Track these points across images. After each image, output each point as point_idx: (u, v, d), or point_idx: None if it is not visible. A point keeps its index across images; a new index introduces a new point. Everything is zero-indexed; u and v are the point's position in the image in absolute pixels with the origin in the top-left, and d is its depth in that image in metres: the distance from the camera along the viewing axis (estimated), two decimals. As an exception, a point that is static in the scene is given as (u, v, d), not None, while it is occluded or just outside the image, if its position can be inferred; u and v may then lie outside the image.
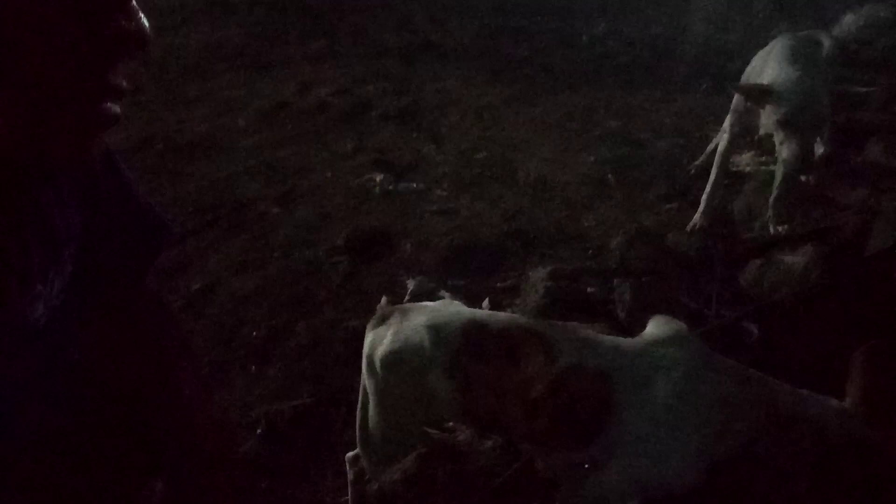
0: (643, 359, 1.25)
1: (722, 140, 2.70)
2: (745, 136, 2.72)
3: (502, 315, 1.40)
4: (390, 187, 3.31)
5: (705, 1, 7.48)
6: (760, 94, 2.37)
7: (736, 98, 2.59)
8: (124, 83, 0.58)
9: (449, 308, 1.42)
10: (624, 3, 8.04)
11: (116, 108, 0.59)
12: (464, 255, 2.67)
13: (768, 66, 2.49)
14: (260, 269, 2.58)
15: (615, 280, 2.26)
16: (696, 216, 2.67)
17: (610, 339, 1.32)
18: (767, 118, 2.38)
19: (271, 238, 2.81)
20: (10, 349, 0.64)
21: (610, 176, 3.29)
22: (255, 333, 2.21)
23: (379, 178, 3.39)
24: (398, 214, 3.02)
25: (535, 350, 1.27)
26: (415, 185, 3.33)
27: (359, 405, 1.52)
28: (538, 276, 2.37)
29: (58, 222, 0.71)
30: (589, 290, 2.27)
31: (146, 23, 0.59)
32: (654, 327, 1.34)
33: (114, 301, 0.88)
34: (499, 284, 2.45)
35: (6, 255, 0.63)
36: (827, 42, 2.75)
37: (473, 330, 1.32)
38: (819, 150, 3.12)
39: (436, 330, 1.33)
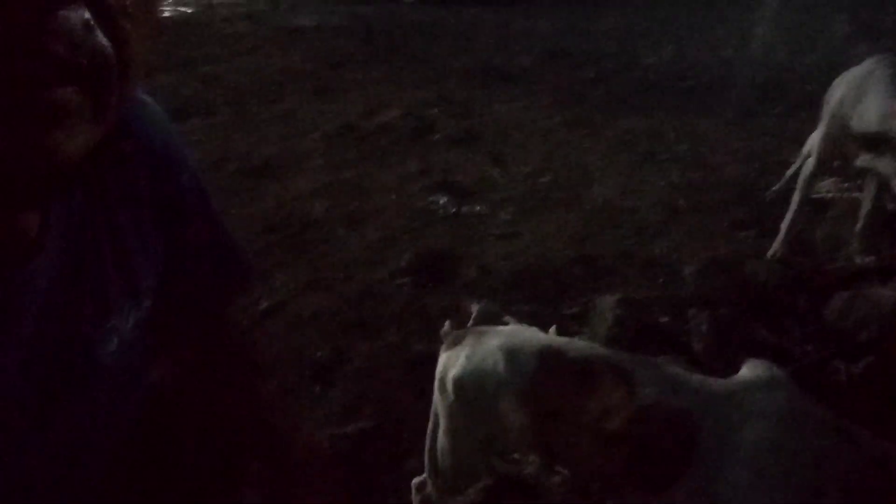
0: (733, 402, 1.16)
1: (807, 165, 2.56)
2: (832, 162, 2.58)
3: (581, 343, 1.36)
4: (454, 210, 3.30)
5: (778, 22, 7.28)
6: (879, 142, 2.18)
7: (828, 125, 2.41)
8: (66, 52, 0.42)
9: (524, 333, 1.38)
10: (690, 26, 7.90)
11: (67, 95, 0.43)
12: (529, 280, 2.62)
13: (870, 96, 2.28)
14: (325, 289, 2.59)
15: (690, 311, 2.17)
16: (776, 244, 2.55)
17: (698, 378, 1.25)
18: (883, 163, 2.19)
19: (337, 259, 2.82)
20: (79, 385, 0.62)
21: (681, 201, 3.19)
22: (319, 354, 2.21)
23: (443, 200, 3.38)
24: (462, 237, 3.00)
25: (616, 382, 1.21)
26: (478, 209, 3.31)
27: (429, 429, 1.50)
28: (607, 303, 2.29)
29: (138, 254, 0.69)
30: (661, 320, 2.19)
31: (99, 41, 0.44)
32: (749, 370, 1.25)
33: (191, 334, 0.88)
34: (565, 311, 2.39)
35: (82, 286, 0.61)
36: None
37: (550, 356, 1.28)
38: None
39: (510, 354, 1.29)
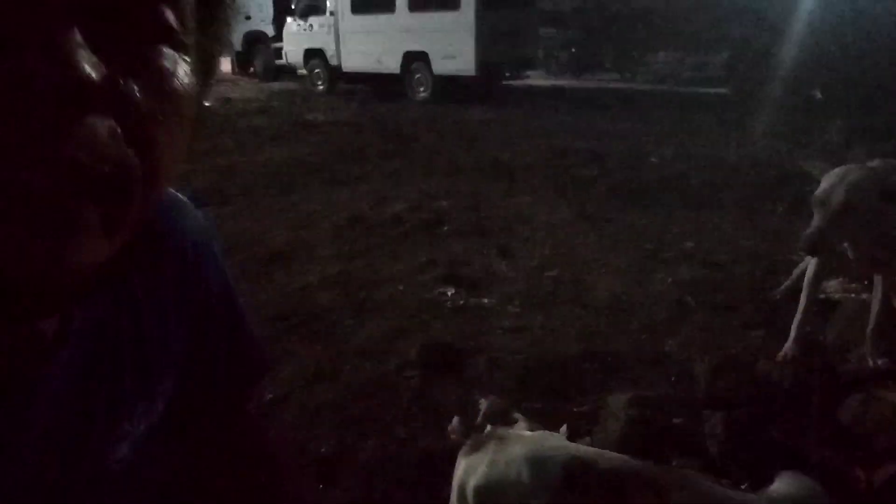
0: None
1: (809, 265, 2.59)
2: (833, 260, 2.60)
3: (611, 454, 1.30)
4: (461, 302, 3.30)
5: (777, 123, 7.54)
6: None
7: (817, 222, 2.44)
8: (89, 161, 0.39)
9: (550, 440, 1.34)
10: (692, 126, 8.19)
11: (82, 208, 0.40)
12: (538, 375, 2.59)
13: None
14: (332, 381, 2.56)
15: (704, 412, 2.13)
16: (787, 345, 2.52)
17: (732, 495, 1.21)
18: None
19: (344, 349, 2.81)
20: (86, 492, 0.59)
21: (689, 298, 3.20)
22: (323, 450, 2.15)
23: (450, 292, 3.40)
24: (470, 330, 2.99)
25: (648, 497, 1.16)
26: (486, 301, 3.32)
27: None
28: (618, 402, 2.25)
29: (158, 355, 0.68)
30: (675, 420, 2.14)
31: (124, 151, 0.41)
32: (784, 485, 1.20)
33: (208, 431, 0.86)
34: (576, 409, 2.34)
35: (97, 391, 0.59)
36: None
37: (578, 468, 1.23)
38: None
39: (536, 464, 1.24)
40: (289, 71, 14.44)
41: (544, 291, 3.43)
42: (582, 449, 1.33)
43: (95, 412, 0.59)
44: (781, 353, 2.51)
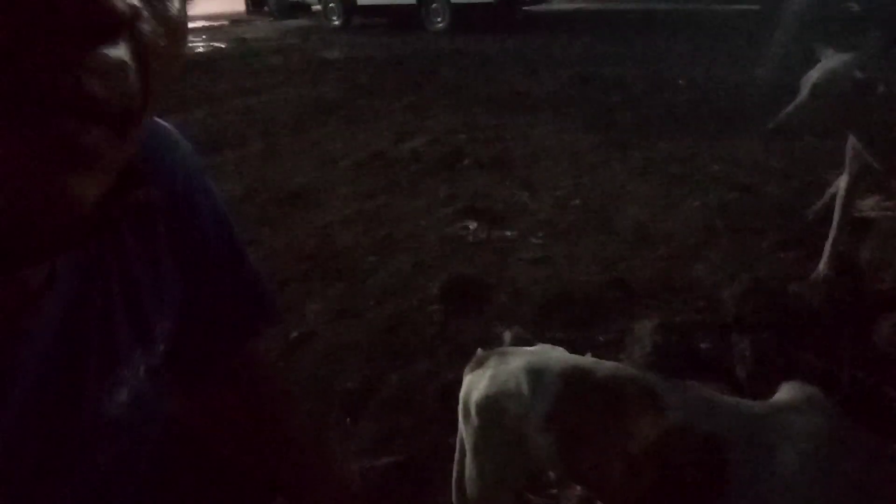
0: (767, 425, 1.09)
1: (842, 181, 2.49)
2: (866, 176, 2.50)
3: (609, 363, 1.29)
4: (484, 235, 3.26)
5: (811, 40, 7.16)
6: None
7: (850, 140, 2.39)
8: (102, 92, 0.38)
9: (550, 353, 1.33)
10: (721, 46, 7.84)
11: (92, 135, 0.39)
12: (562, 306, 2.56)
13: None
14: (356, 318, 2.57)
15: (732, 335, 2.09)
16: (821, 265, 2.45)
17: (730, 401, 1.18)
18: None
19: (367, 286, 2.81)
20: (86, 439, 0.59)
21: (718, 222, 3.11)
22: (349, 385, 2.18)
23: (472, 226, 3.35)
24: (493, 263, 2.96)
25: (643, 404, 1.15)
26: (509, 234, 3.27)
27: (456, 458, 1.45)
28: (644, 329, 2.22)
29: (153, 299, 0.66)
30: (703, 346, 2.10)
31: (133, 82, 0.41)
32: (786, 393, 1.18)
33: (213, 372, 0.85)
34: (601, 338, 2.32)
35: (88, 338, 0.58)
36: None
37: (576, 377, 1.23)
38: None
39: (535, 374, 1.24)
40: (303, 8, 14.11)
41: (568, 221, 3.37)
42: (580, 359, 1.31)
43: (87, 358, 0.58)
44: (814, 275, 2.44)
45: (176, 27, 0.45)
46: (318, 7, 13.19)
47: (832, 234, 2.45)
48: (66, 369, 0.55)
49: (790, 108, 2.20)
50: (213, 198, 0.79)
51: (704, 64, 6.95)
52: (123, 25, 0.39)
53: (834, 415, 1.11)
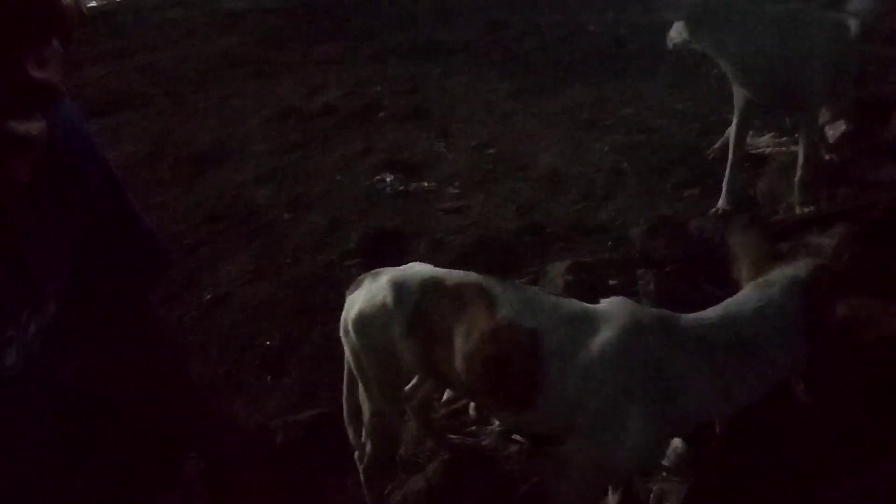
0: (580, 319, 1.22)
1: (734, 120, 2.61)
2: (755, 113, 2.63)
3: (458, 272, 1.40)
4: (401, 187, 3.25)
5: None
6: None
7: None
8: (46, 78, 0.41)
9: (414, 267, 1.43)
10: (631, -9, 7.95)
11: (34, 125, 0.42)
12: (479, 252, 2.60)
13: None
14: (273, 276, 2.53)
15: (638, 270, 2.19)
16: (720, 201, 2.58)
17: (554, 299, 1.30)
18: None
19: (283, 245, 2.76)
20: None
21: (626, 165, 3.21)
22: (269, 343, 2.16)
23: (390, 178, 3.33)
24: (411, 215, 2.97)
25: (480, 304, 1.27)
26: (426, 185, 3.28)
27: (345, 378, 1.54)
28: (557, 270, 2.29)
29: (37, 257, 0.64)
30: (611, 282, 2.19)
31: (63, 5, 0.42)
32: (608, 301, 1.29)
33: (108, 327, 0.83)
34: (516, 281, 2.38)
35: None
36: (853, 22, 2.62)
37: (430, 285, 1.34)
38: (841, 126, 3.02)
39: (397, 286, 1.35)
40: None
41: (484, 170, 3.40)
42: (437, 270, 1.41)
43: None
44: (713, 210, 2.57)
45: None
46: (220, -46, 12.46)
47: (728, 170, 2.58)
48: None
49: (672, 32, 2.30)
50: (97, 155, 0.76)
51: (616, 10, 7.03)
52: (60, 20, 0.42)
53: (643, 308, 1.25)
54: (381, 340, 1.37)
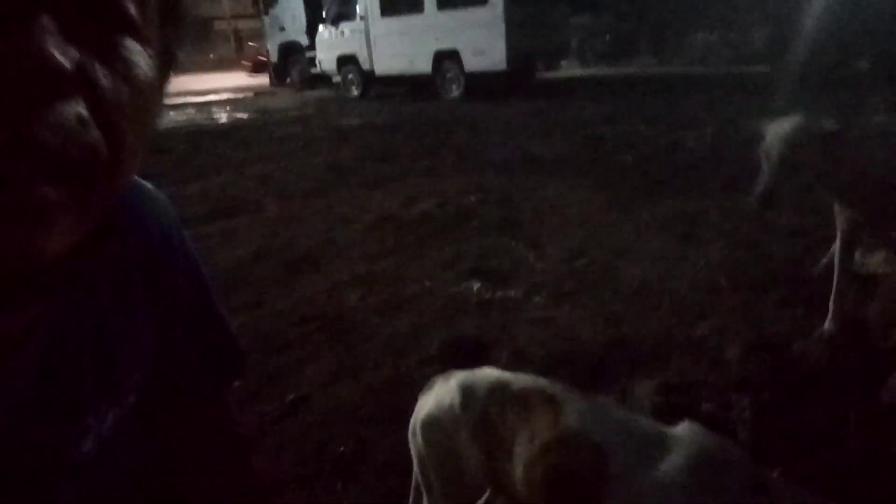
0: (652, 441, 1.15)
1: (838, 237, 2.46)
2: (860, 231, 2.48)
3: (528, 376, 1.37)
4: (488, 296, 3.26)
5: (820, 100, 7.22)
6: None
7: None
8: (56, 144, 0.39)
9: (482, 371, 1.41)
10: (731, 109, 7.92)
11: (51, 193, 0.40)
12: (563, 364, 2.52)
13: None
14: (353, 379, 2.55)
15: (733, 395, 2.03)
16: (826, 323, 2.40)
17: (625, 414, 1.25)
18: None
19: (367, 347, 2.80)
20: (51, 486, 0.60)
21: (722, 280, 3.07)
22: (342, 449, 2.15)
23: (476, 286, 3.36)
24: (495, 324, 2.95)
25: (545, 410, 1.23)
26: (513, 293, 3.27)
27: (412, 483, 1.51)
28: (644, 389, 2.18)
29: (123, 350, 0.68)
30: (704, 406, 2.05)
31: (93, 136, 0.42)
32: (689, 426, 1.21)
33: (181, 424, 0.86)
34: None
35: (56, 385, 0.59)
36: None
37: (497, 388, 1.31)
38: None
39: (465, 389, 1.34)
40: (324, 79, 14.63)
41: (572, 281, 3.35)
42: (504, 374, 1.38)
43: (56, 408, 0.59)
44: (818, 332, 2.39)
45: (143, 86, 0.48)
46: (338, 78, 13.68)
47: (834, 289, 2.41)
48: (36, 417, 0.57)
49: (760, 183, 2.22)
50: (188, 253, 0.81)
51: (715, 125, 7.01)
52: (70, 81, 0.40)
53: (716, 441, 1.16)
54: (446, 445, 1.35)
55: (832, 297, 2.41)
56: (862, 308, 2.56)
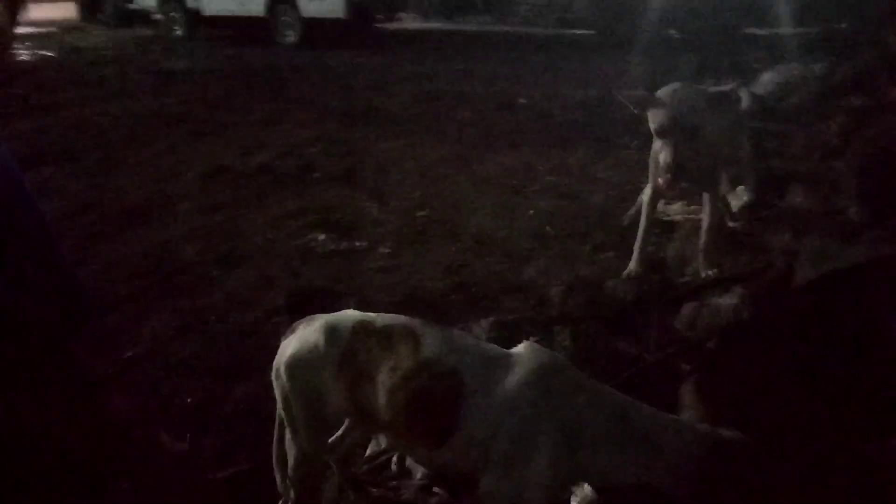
0: (497, 360, 1.34)
1: (646, 190, 2.81)
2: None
3: (389, 315, 1.49)
4: (332, 247, 3.30)
5: (635, 66, 7.93)
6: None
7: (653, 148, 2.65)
8: None
9: (347, 313, 1.51)
10: (559, 69, 8.44)
11: None
12: (407, 310, 2.62)
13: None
14: (198, 333, 2.51)
15: (555, 328, 2.29)
16: (631, 264, 2.75)
17: (474, 341, 1.44)
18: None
19: (209, 302, 2.75)
20: None
21: (548, 228, 3.38)
22: (190, 400, 2.13)
23: (321, 237, 3.39)
24: (341, 274, 3.01)
25: (405, 344, 1.36)
26: (358, 244, 3.34)
27: (275, 435, 1.57)
28: (481, 327, 2.38)
29: None
30: (531, 339, 2.28)
31: None
32: (522, 346, 1.42)
33: (30, 366, 0.85)
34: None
35: None
36: (746, 96, 2.92)
37: (361, 328, 1.42)
38: (744, 196, 3.29)
39: (329, 329, 1.42)
40: (142, 16, 13.32)
41: (415, 231, 3.50)
42: (368, 314, 1.49)
43: None
44: (626, 272, 2.73)
45: None
46: (160, 16, 12.53)
47: (639, 235, 2.76)
48: None
49: (667, 162, 2.34)
50: (31, 199, 0.80)
51: (544, 83, 7.45)
52: None
53: (552, 355, 1.38)
54: (311, 382, 1.42)
55: (637, 241, 2.76)
56: (662, 250, 2.96)
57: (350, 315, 1.48)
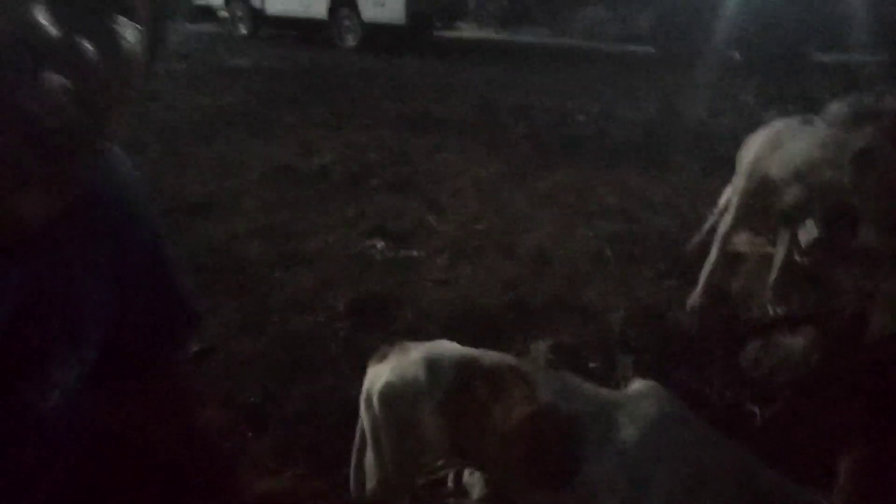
0: (619, 409, 1.30)
1: (724, 221, 2.74)
2: (749, 217, 2.77)
3: (494, 353, 1.45)
4: (391, 255, 3.33)
5: (696, 88, 7.80)
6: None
7: (745, 183, 2.59)
8: (37, 110, 0.40)
9: (445, 345, 1.48)
10: (617, 86, 8.36)
11: (31, 161, 0.41)
12: (464, 324, 2.66)
13: (787, 145, 2.46)
14: (258, 332, 2.55)
15: (617, 356, 2.26)
16: (695, 295, 2.69)
17: (591, 387, 1.38)
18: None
19: (271, 302, 2.79)
20: (16, 439, 0.61)
21: (608, 251, 3.34)
22: (251, 399, 2.17)
23: (380, 245, 3.41)
24: (399, 282, 3.03)
25: (518, 387, 1.32)
26: (415, 254, 3.36)
27: (355, 445, 1.56)
28: (540, 349, 2.36)
29: (88, 307, 0.68)
30: (591, 364, 2.26)
31: (75, 109, 0.43)
32: (636, 385, 1.39)
33: (139, 379, 0.87)
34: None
35: (23, 340, 0.59)
36: (821, 127, 2.80)
37: (466, 364, 1.38)
38: (814, 231, 3.19)
39: (431, 363, 1.38)
40: (209, 13, 13.69)
41: (472, 244, 3.49)
42: (471, 350, 1.46)
43: (25, 362, 0.60)
44: (689, 303, 2.68)
45: (126, 61, 0.49)
46: (225, 14, 12.86)
47: (707, 266, 2.70)
48: (4, 371, 0.57)
49: (812, 236, 2.30)
50: (150, 215, 0.81)
51: (602, 100, 7.38)
52: (57, 52, 0.41)
53: (672, 401, 1.33)
54: (407, 416, 1.39)
55: (704, 271, 2.71)
56: (727, 283, 2.89)
57: (450, 349, 1.45)
